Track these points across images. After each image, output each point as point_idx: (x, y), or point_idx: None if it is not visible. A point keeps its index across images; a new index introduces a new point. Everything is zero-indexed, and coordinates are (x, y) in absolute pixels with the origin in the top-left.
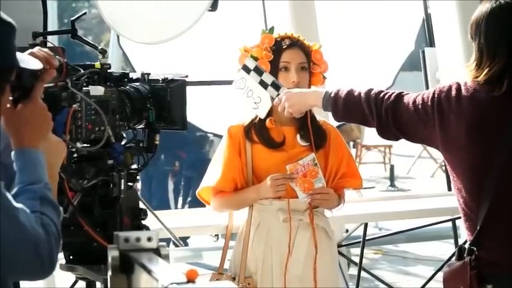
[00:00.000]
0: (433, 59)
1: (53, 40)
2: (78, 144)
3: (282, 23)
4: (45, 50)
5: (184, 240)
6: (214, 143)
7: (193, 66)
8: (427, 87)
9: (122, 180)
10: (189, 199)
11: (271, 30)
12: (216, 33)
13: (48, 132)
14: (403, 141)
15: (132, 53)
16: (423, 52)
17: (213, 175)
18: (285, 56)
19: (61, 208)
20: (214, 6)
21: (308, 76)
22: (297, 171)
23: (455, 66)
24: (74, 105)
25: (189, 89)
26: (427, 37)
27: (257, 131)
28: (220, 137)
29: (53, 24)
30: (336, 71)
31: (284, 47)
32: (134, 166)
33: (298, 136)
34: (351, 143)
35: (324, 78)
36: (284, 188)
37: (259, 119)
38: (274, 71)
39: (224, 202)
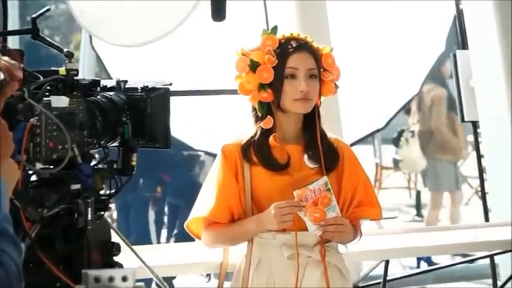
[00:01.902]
0: (466, 64)
1: (13, 41)
2: (37, 166)
3: (287, 23)
4: (6, 58)
5: (169, 281)
6: (205, 164)
7: (181, 74)
8: (460, 98)
9: (89, 209)
10: (175, 231)
11: (274, 30)
12: (208, 36)
13: (9, 155)
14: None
15: (108, 57)
16: (454, 55)
17: (204, 203)
18: (291, 60)
19: (22, 245)
20: (219, 15)
21: (318, 85)
22: (306, 197)
23: (493, 73)
24: (31, 119)
25: (174, 99)
26: (459, 38)
27: (257, 150)
28: (213, 156)
29: (13, 23)
30: (350, 79)
31: (290, 50)
32: (105, 192)
33: (305, 156)
34: (374, 163)
35: (336, 87)
36: (291, 218)
37: (260, 136)
38: (279, 78)
39: (218, 236)
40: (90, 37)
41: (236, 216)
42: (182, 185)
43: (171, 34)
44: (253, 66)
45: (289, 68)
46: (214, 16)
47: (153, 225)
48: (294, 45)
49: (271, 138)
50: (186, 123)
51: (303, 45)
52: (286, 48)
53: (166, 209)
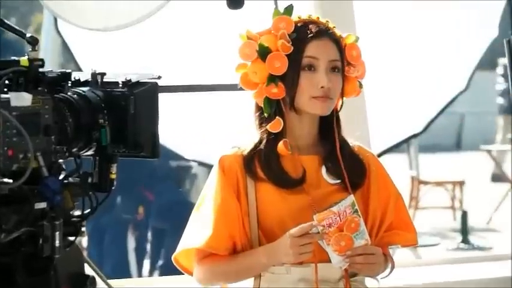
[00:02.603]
0: None
1: None
2: None
3: (301, 8)
4: None
5: None
6: (197, 178)
7: (171, 65)
8: None
9: (57, 233)
10: (159, 262)
11: (289, 10)
12: (203, 22)
13: None
14: (481, 174)
15: (78, 44)
16: (508, 42)
17: (198, 230)
18: (311, 48)
19: None
20: (236, 1)
21: (341, 81)
22: (329, 222)
23: None
24: None
25: (162, 96)
26: None
27: (263, 162)
28: (207, 167)
29: None
30: (380, 73)
31: (310, 35)
32: (77, 212)
33: (323, 169)
34: (409, 177)
35: (360, 86)
36: (311, 249)
37: (266, 143)
38: (295, 69)
39: (216, 271)
40: (55, 19)
41: (239, 247)
42: (169, 205)
43: (153, 17)
44: (263, 52)
45: (307, 57)
46: (231, 3)
47: (133, 254)
48: (314, 31)
49: (280, 145)
50: (175, 125)
51: (325, 31)
52: (304, 34)
53: (149, 234)
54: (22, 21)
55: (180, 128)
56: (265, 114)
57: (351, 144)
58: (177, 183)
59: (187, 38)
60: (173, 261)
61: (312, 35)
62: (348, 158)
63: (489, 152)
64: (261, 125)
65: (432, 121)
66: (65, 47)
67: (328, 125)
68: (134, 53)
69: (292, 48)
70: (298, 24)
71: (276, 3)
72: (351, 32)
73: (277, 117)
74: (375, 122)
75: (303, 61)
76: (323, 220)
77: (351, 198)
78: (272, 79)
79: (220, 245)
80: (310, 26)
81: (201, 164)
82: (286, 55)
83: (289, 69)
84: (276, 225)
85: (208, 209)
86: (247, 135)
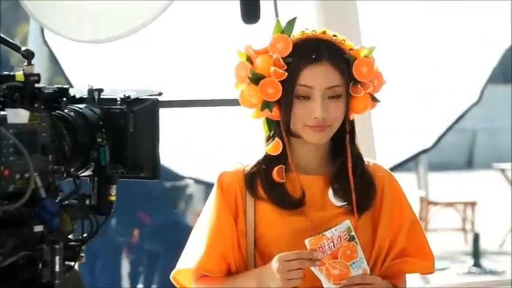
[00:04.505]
0: None
1: None
2: None
3: (304, 15)
4: None
5: None
6: (193, 199)
7: (168, 79)
8: None
9: (57, 258)
10: (153, 287)
11: (290, 25)
12: (203, 34)
13: None
14: (494, 194)
15: (67, 56)
16: None
17: (193, 250)
18: (305, 76)
19: None
20: (251, 14)
21: (343, 105)
22: (322, 248)
23: None
24: None
25: (162, 112)
26: None
27: (264, 180)
28: (205, 185)
29: None
30: (385, 87)
31: (305, 60)
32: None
33: (330, 191)
34: (417, 197)
35: (374, 101)
36: (300, 275)
37: (269, 162)
38: (288, 96)
39: None
40: (42, 28)
41: (234, 268)
42: (162, 227)
43: (148, 28)
44: (255, 78)
45: (300, 85)
46: (246, 17)
47: (127, 279)
48: (311, 54)
49: (274, 172)
50: (170, 141)
51: (323, 55)
52: (300, 57)
53: (143, 258)
54: (7, 31)
55: (175, 143)
56: (265, 134)
57: (366, 161)
58: (172, 205)
59: (184, 49)
60: (172, 280)
61: (307, 60)
62: (358, 178)
63: (503, 170)
64: (267, 140)
65: (443, 135)
66: (52, 59)
67: (341, 140)
68: (129, 65)
69: (286, 74)
70: (299, 43)
71: (275, 3)
72: (355, 34)
73: (276, 139)
74: (380, 136)
75: (295, 89)
76: (316, 245)
77: (347, 223)
78: (266, 105)
79: (212, 266)
80: (309, 47)
81: (197, 181)
82: (280, 81)
83: (283, 95)
84: (273, 246)
85: (204, 228)
86: (252, 149)
